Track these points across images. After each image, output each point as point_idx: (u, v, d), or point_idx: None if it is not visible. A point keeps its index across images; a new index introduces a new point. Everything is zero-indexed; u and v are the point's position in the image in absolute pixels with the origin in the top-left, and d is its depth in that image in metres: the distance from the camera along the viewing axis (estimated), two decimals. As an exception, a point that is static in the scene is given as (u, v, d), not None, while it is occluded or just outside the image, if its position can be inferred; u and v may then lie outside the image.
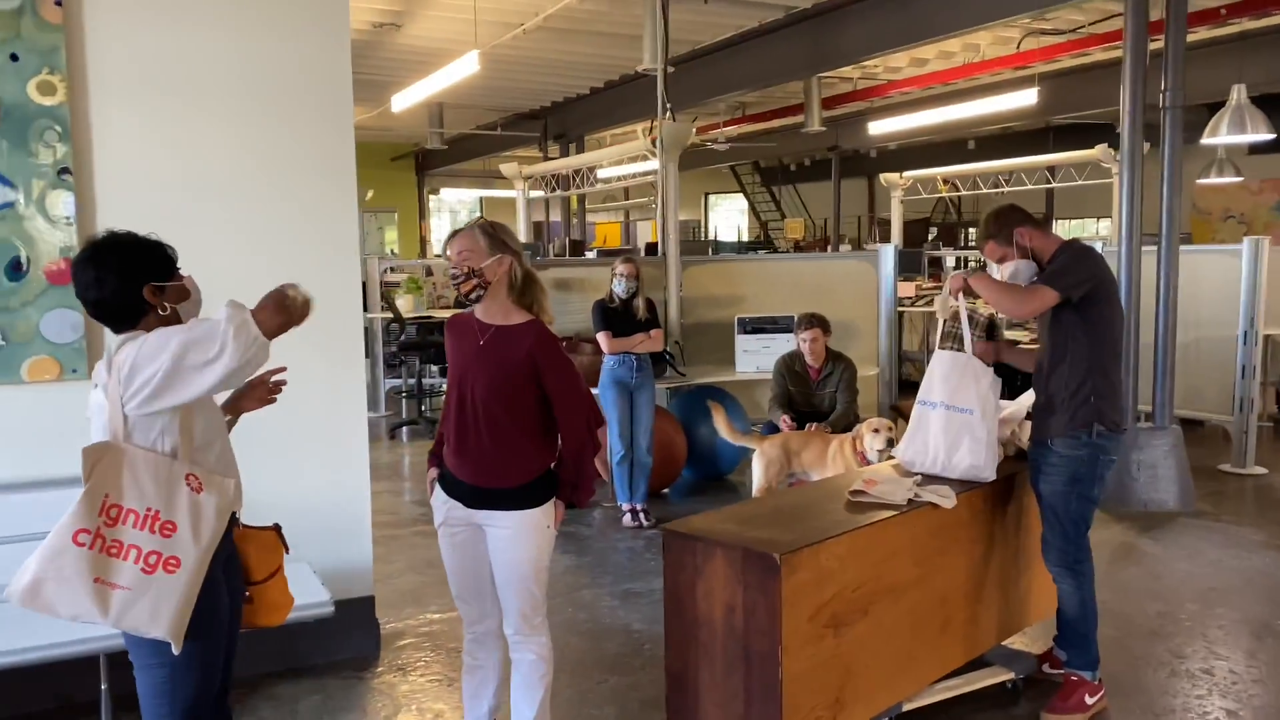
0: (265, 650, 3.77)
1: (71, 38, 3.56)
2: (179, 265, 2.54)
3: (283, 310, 2.36)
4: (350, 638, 4.11)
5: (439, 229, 25.97)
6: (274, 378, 2.71)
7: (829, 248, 17.51)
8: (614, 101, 12.70)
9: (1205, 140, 7.94)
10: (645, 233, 27.03)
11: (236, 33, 3.83)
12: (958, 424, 3.72)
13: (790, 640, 2.94)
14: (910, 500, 3.45)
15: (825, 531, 3.13)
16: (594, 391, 6.28)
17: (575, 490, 2.98)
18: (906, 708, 3.47)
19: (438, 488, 3.06)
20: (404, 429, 9.54)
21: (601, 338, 6.04)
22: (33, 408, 3.57)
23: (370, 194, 14.38)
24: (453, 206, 26.94)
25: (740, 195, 24.02)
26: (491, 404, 2.88)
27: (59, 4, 3.51)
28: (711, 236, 24.24)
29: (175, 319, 2.45)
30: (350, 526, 4.14)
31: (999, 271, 3.78)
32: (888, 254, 7.42)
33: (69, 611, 2.28)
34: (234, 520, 2.52)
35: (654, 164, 15.78)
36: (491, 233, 2.90)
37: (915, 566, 3.41)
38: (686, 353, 7.49)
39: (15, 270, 3.52)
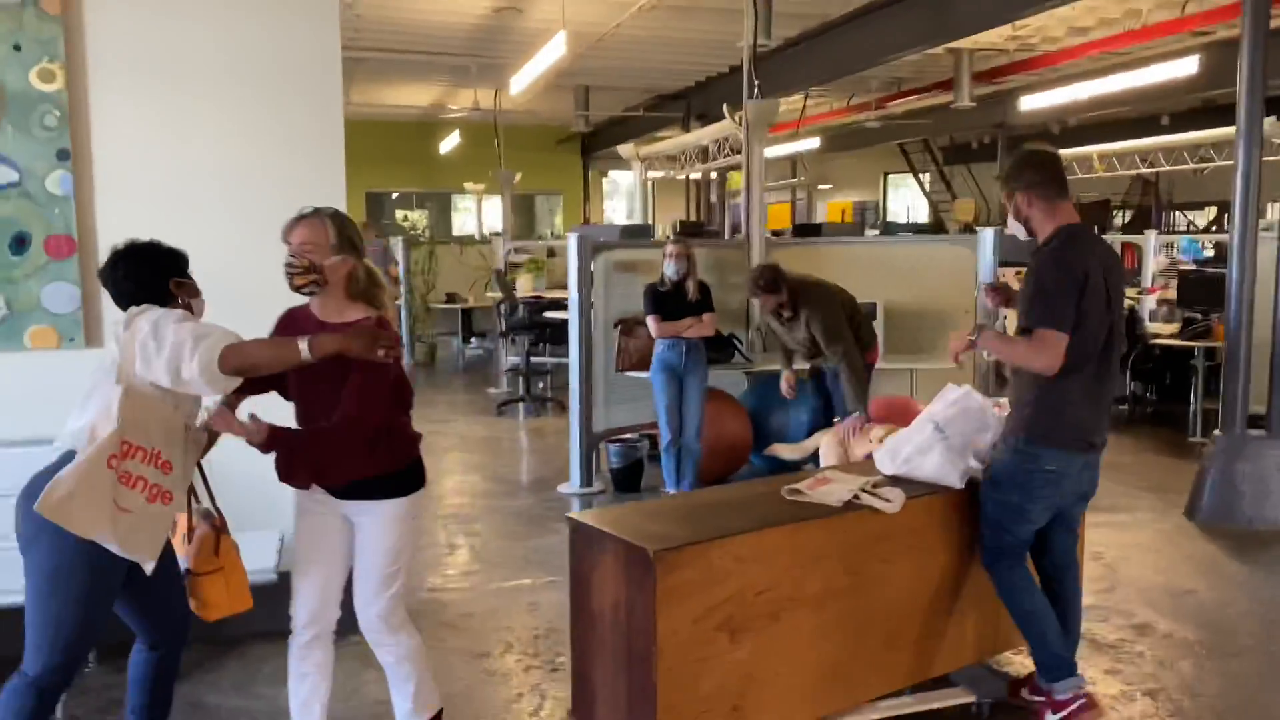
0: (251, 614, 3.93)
1: (70, 28, 3.81)
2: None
3: (268, 353, 2.61)
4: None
5: (612, 211, 26.23)
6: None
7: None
8: (763, 76, 12.35)
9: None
10: (821, 212, 26.45)
11: (225, 20, 3.99)
12: (937, 437, 3.46)
13: (667, 642, 2.80)
14: (849, 503, 3.22)
15: (726, 530, 2.96)
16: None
17: (289, 453, 2.76)
18: (838, 723, 3.25)
19: None
20: (515, 405, 9.75)
21: (650, 321, 5.94)
22: (33, 372, 3.85)
23: (519, 177, 14.69)
24: (629, 188, 27.22)
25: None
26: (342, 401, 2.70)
27: (59, -4, 3.77)
28: (884, 218, 23.40)
29: (190, 310, 2.79)
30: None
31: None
32: (987, 238, 6.89)
33: (86, 528, 2.54)
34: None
35: (809, 143, 15.32)
36: (341, 227, 2.76)
37: (848, 574, 3.18)
38: (767, 339, 7.27)
39: (19, 245, 3.82)
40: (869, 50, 9.78)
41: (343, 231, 2.78)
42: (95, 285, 3.96)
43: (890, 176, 26.27)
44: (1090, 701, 3.32)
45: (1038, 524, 3.28)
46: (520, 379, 10.47)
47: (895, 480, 3.46)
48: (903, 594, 3.34)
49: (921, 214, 24.23)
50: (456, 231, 20.31)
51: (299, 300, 2.86)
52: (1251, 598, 4.67)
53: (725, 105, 7.78)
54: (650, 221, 22.91)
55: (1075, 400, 3.14)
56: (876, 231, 19.33)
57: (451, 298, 13.22)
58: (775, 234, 11.17)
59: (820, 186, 25.79)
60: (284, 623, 2.97)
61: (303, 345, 2.55)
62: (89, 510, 2.54)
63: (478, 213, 19.63)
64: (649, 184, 12.19)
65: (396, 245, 13.01)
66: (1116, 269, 3.30)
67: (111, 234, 3.99)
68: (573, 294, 6.37)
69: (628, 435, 6.80)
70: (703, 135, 8.53)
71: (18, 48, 3.75)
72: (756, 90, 7.35)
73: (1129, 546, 5.28)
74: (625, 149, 9.67)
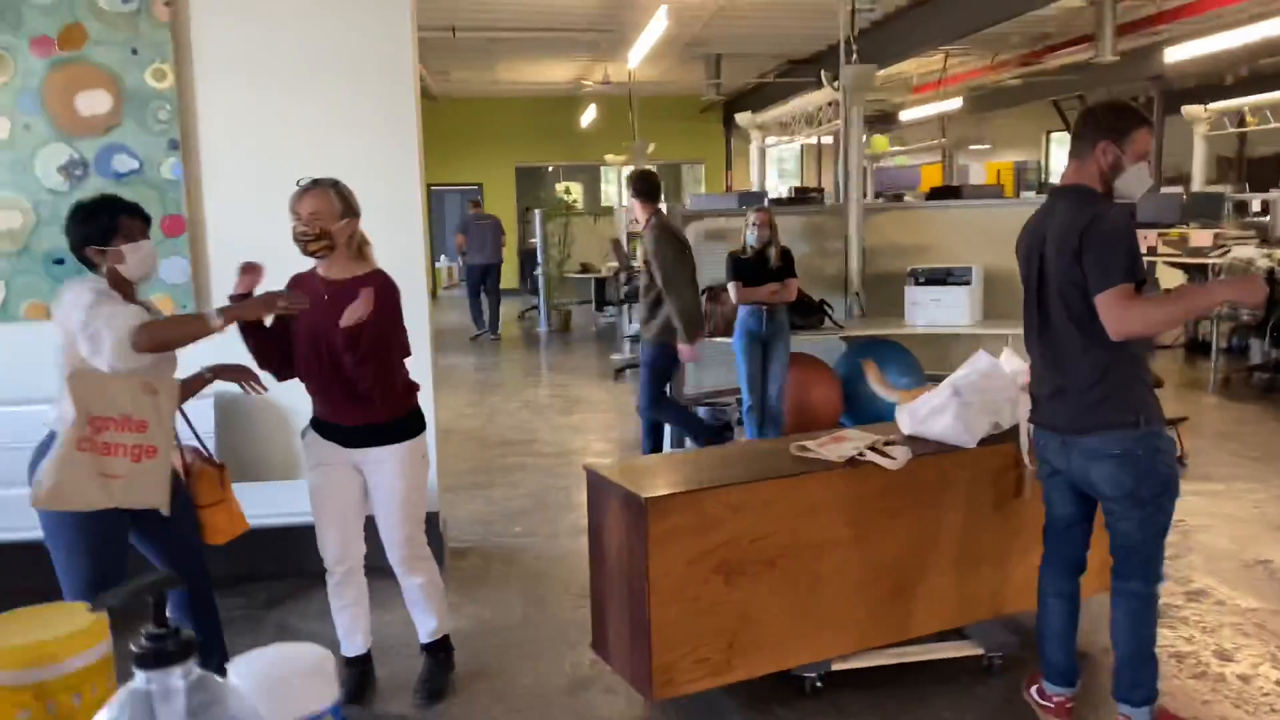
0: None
1: (178, 33, 4.33)
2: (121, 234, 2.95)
3: (176, 331, 2.87)
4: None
5: (759, 180, 26.18)
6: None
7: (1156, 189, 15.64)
8: (890, 36, 12.10)
9: None
10: (977, 174, 25.57)
11: (311, 22, 4.43)
12: (954, 400, 3.55)
13: (660, 581, 3.05)
14: (852, 459, 3.36)
15: (720, 480, 3.17)
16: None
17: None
18: (839, 667, 3.41)
19: (311, 432, 3.25)
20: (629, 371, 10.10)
21: (731, 288, 6.11)
22: (154, 335, 4.42)
23: (652, 147, 14.93)
24: (780, 156, 27.02)
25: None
26: (349, 352, 2.98)
27: (168, 4, 4.28)
28: (1045, 178, 22.47)
29: (116, 277, 2.95)
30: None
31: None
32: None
33: (83, 504, 2.82)
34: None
35: (951, 103, 14.94)
36: (343, 194, 3.08)
37: (848, 526, 3.33)
38: (866, 304, 7.32)
39: (140, 225, 4.38)
40: (992, 7, 9.51)
41: (345, 198, 3.10)
42: (202, 257, 4.52)
43: (1056, 135, 25.14)
44: (1059, 710, 3.18)
45: (1052, 504, 3.15)
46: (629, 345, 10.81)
47: (912, 439, 3.58)
48: (910, 548, 3.46)
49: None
50: (605, 203, 20.80)
51: (307, 264, 3.20)
52: (1331, 570, 4.50)
53: (822, 72, 7.80)
54: (806, 186, 22.66)
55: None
56: (1033, 192, 18.63)
57: (586, 268, 13.70)
58: (927, 196, 10.88)
59: (974, 147, 24.94)
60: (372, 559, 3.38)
61: (211, 314, 2.85)
62: (79, 491, 2.78)
63: (619, 184, 20.06)
64: (774, 150, 12.18)
65: (535, 217, 13.57)
66: (1050, 239, 2.90)
67: (217, 213, 4.56)
68: (659, 264, 6.60)
69: (720, 400, 7.02)
70: (807, 102, 8.57)
71: (135, 51, 4.29)
72: (855, 56, 7.34)
73: (1213, 516, 5.14)
74: (743, 118, 9.76)
